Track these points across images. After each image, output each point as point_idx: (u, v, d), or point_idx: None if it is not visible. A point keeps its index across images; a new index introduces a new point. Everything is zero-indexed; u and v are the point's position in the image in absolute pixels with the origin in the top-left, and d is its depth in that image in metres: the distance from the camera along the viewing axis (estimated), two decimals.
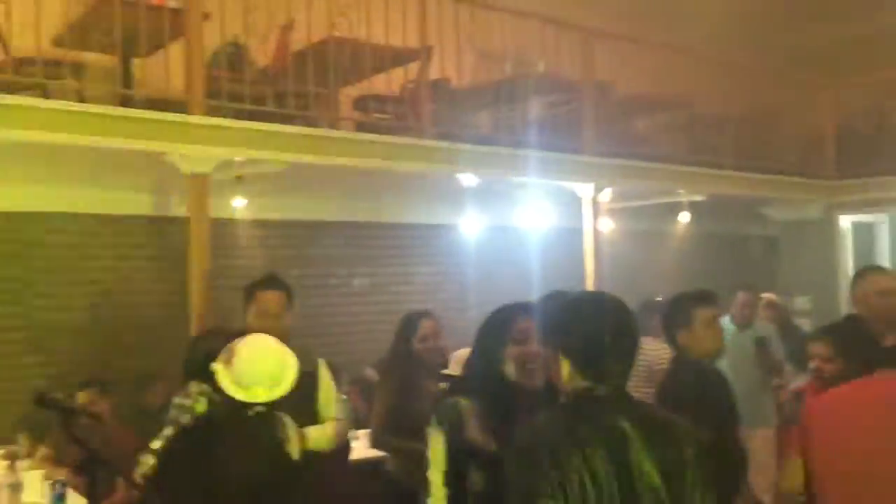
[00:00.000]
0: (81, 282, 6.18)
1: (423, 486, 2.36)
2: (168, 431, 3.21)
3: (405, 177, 6.31)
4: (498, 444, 2.24)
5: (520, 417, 2.05)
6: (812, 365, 3.36)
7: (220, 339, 3.16)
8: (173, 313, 5.94)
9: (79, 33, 4.93)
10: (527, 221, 7.75)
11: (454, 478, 2.28)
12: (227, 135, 5.02)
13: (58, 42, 4.94)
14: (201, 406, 3.21)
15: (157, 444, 3.19)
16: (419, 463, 2.43)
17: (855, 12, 9.60)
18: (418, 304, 7.32)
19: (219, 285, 5.20)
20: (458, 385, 2.49)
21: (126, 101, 4.93)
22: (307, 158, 5.38)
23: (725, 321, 5.47)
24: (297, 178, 6.20)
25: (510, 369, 2.36)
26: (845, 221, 9.14)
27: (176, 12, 5.03)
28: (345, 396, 5.91)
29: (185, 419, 3.04)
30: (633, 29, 7.24)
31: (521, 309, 2.45)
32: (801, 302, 8.78)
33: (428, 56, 6.08)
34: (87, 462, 2.33)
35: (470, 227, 7.80)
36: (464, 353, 2.85)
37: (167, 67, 4.96)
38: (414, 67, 6.11)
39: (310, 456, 3.17)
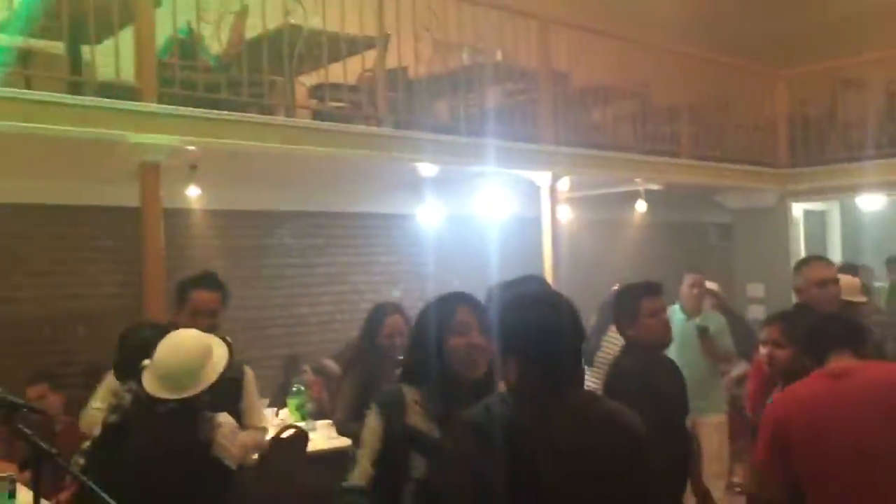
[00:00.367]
0: (31, 273, 6.05)
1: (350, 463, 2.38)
2: (97, 431, 3.15)
3: (363, 166, 6.28)
4: (441, 431, 2.26)
5: (463, 405, 2.06)
6: (764, 350, 3.42)
7: (146, 334, 3.11)
8: (127, 305, 5.86)
9: (25, 19, 4.80)
10: (485, 211, 7.77)
11: (388, 462, 2.30)
12: (180, 123, 4.94)
13: (3, 28, 4.80)
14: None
15: (86, 444, 3.12)
16: None
17: (807, 3, 9.79)
18: (376, 294, 7.35)
19: (173, 276, 5.12)
20: (403, 372, 2.49)
21: (75, 89, 4.82)
22: (262, 147, 5.31)
23: (675, 309, 5.51)
24: (254, 168, 6.14)
25: (452, 360, 2.37)
26: (798, 209, 9.32)
27: None
28: (301, 387, 5.92)
29: (113, 419, 2.97)
30: (590, 19, 7.28)
31: (461, 300, 2.46)
32: (755, 289, 8.93)
33: (385, 44, 6.04)
34: (33, 458, 2.27)
35: (428, 216, 7.79)
36: None
37: (117, 54, 4.85)
38: (371, 56, 6.07)
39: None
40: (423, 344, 2.42)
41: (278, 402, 6.05)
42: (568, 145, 7.04)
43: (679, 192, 8.61)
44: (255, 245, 7.24)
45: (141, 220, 4.93)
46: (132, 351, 3.05)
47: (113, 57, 4.86)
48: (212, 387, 2.83)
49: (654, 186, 7.86)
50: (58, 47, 5.01)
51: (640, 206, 8.09)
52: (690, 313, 5.66)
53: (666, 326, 3.46)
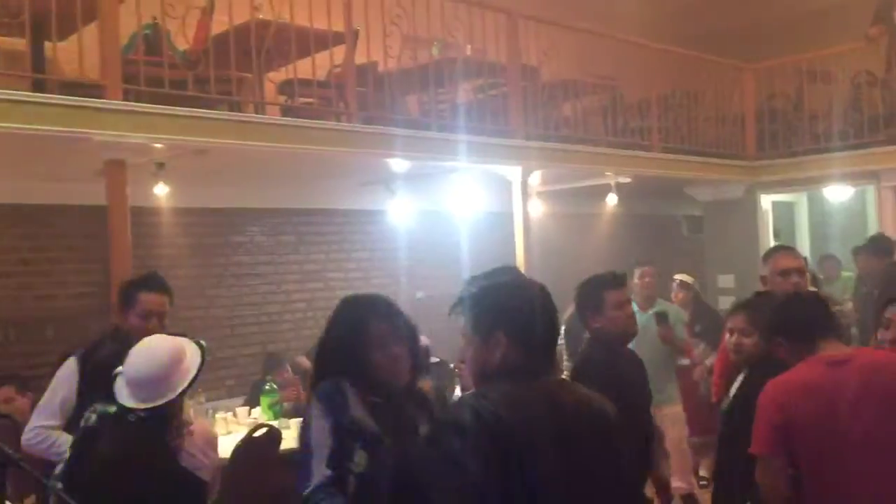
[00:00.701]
0: None
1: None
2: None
3: (333, 162, 6.25)
4: (378, 425, 2.32)
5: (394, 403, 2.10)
6: (731, 339, 3.44)
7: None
8: (95, 304, 5.79)
9: None
10: (457, 206, 7.76)
11: (338, 459, 2.32)
12: (146, 120, 4.88)
13: None
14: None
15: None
16: None
17: None
18: (350, 291, 7.30)
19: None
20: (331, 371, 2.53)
21: (39, 86, 4.75)
22: (231, 144, 5.27)
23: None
24: (222, 165, 6.08)
25: (378, 374, 2.45)
26: (766, 201, 9.41)
27: None
28: (274, 385, 5.88)
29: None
30: (559, 13, 7.30)
31: (372, 311, 2.53)
32: (725, 280, 9.01)
33: (354, 39, 6.01)
34: None
35: (400, 212, 7.77)
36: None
37: (81, 51, 4.78)
38: (340, 51, 6.04)
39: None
40: (347, 353, 2.47)
41: (252, 401, 6.01)
42: (538, 140, 7.06)
43: (650, 185, 8.66)
44: (225, 243, 7.19)
45: (107, 218, 4.87)
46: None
47: (77, 54, 4.80)
48: (183, 393, 2.78)
49: (625, 179, 7.90)
50: (20, 44, 4.92)
51: (612, 199, 8.13)
52: (643, 306, 5.62)
53: (631, 318, 3.47)
